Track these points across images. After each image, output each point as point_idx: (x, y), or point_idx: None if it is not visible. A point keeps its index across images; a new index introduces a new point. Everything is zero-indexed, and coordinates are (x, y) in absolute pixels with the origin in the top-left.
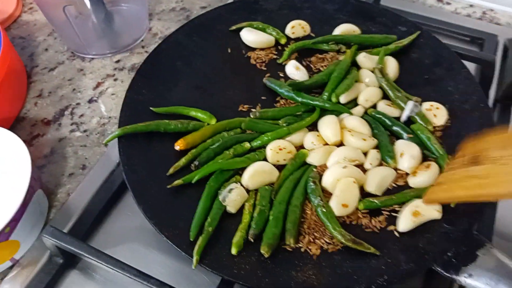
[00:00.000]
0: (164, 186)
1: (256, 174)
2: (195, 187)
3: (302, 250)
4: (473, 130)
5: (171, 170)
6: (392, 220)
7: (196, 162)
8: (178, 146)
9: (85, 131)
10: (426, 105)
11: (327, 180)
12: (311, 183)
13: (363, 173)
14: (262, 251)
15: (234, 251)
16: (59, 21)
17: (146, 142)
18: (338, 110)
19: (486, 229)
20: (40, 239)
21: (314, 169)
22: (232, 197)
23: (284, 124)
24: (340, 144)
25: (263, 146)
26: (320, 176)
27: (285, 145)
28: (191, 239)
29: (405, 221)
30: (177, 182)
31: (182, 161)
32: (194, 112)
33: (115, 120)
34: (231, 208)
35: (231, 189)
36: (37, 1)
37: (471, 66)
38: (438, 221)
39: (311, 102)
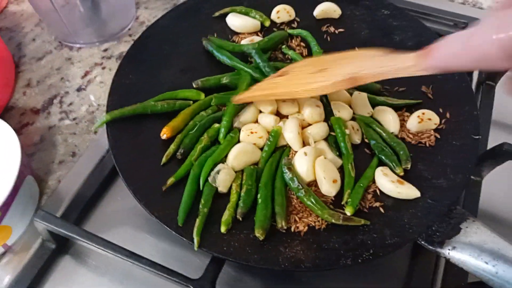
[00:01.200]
0: (153, 167)
1: (240, 154)
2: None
3: (291, 229)
4: (456, 109)
5: (164, 159)
6: (378, 197)
7: (181, 150)
8: (165, 134)
9: (74, 119)
10: (418, 112)
11: (302, 170)
12: (287, 171)
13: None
14: (257, 234)
15: (223, 229)
16: (46, 11)
17: (134, 125)
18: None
19: (471, 206)
20: (32, 225)
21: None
22: (221, 178)
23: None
24: None
25: (231, 126)
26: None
27: (257, 129)
28: (180, 224)
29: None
30: (170, 181)
31: (172, 147)
32: (181, 93)
33: (103, 108)
34: (222, 188)
35: (219, 170)
36: None
37: None
38: (423, 197)
39: (238, 65)
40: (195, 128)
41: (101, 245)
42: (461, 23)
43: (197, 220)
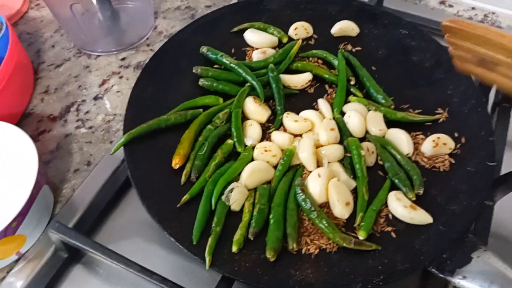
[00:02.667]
0: (167, 183)
1: (254, 173)
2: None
3: (302, 251)
4: (471, 133)
5: (183, 179)
6: (390, 221)
7: (196, 173)
8: (177, 164)
9: (90, 127)
10: (433, 137)
11: (315, 191)
12: (300, 192)
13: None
14: (268, 256)
15: (234, 248)
16: (66, 18)
17: (150, 138)
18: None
19: (482, 231)
20: (45, 233)
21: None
22: (234, 196)
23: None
24: None
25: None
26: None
27: (271, 147)
28: (194, 243)
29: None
30: (185, 198)
31: (188, 166)
32: (200, 101)
33: (120, 118)
34: (235, 207)
35: (232, 189)
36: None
37: None
38: (435, 223)
39: (243, 74)
40: (204, 149)
41: (113, 259)
42: None
43: (210, 239)
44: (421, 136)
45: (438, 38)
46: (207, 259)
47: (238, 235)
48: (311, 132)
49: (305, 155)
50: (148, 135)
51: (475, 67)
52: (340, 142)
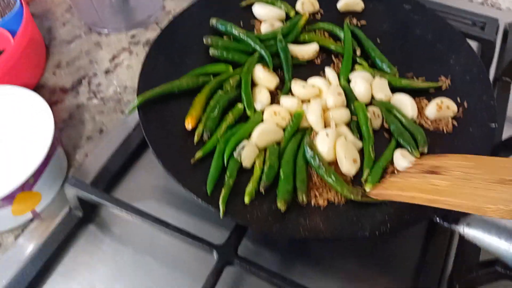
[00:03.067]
0: (180, 142)
1: (263, 134)
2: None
3: (311, 203)
4: (473, 98)
5: (196, 138)
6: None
7: (208, 133)
8: (190, 124)
9: (102, 98)
10: (437, 100)
11: (323, 149)
12: (308, 150)
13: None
14: (279, 205)
15: (247, 199)
16: None
17: (162, 103)
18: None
19: None
20: (60, 195)
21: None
22: (245, 153)
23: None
24: None
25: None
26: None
27: (279, 110)
28: (208, 194)
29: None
30: (198, 155)
31: (200, 126)
32: (210, 68)
33: (130, 90)
34: (246, 163)
35: (243, 146)
36: None
37: (472, 45)
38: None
39: (252, 44)
40: (216, 111)
41: (129, 211)
42: (480, 22)
43: (223, 190)
44: (425, 101)
45: (440, 14)
46: (221, 207)
47: (250, 187)
48: (318, 97)
49: (313, 118)
50: (160, 101)
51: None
52: (347, 108)
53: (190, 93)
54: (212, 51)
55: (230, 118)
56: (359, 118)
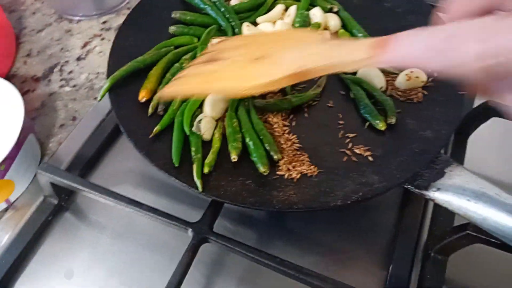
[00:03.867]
0: (151, 122)
1: (215, 103)
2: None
3: (284, 176)
4: None
5: (150, 110)
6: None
7: (162, 106)
8: (144, 97)
9: (74, 86)
10: (406, 71)
11: None
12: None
13: None
14: (262, 170)
15: (206, 170)
16: None
17: (131, 82)
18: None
19: (458, 160)
20: (34, 183)
21: None
22: (203, 126)
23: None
24: None
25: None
26: None
27: None
28: (176, 165)
29: None
30: (156, 129)
31: (154, 102)
32: (176, 41)
33: (103, 76)
34: (207, 136)
35: (200, 120)
36: None
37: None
38: (410, 147)
39: (214, 15)
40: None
41: (103, 194)
42: None
43: (194, 166)
44: (394, 74)
45: None
46: (198, 182)
47: (209, 159)
48: None
49: None
50: (128, 80)
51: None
52: None
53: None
54: (171, 29)
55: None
56: None
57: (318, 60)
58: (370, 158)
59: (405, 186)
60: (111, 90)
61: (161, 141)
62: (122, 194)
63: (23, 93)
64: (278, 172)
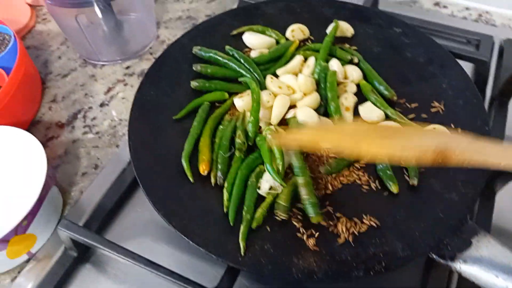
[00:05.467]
0: (172, 180)
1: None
2: (201, 182)
3: (304, 238)
4: (467, 124)
5: (212, 180)
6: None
7: (220, 175)
8: (205, 170)
9: (97, 133)
10: (429, 127)
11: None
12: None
13: None
14: (316, 221)
15: (254, 225)
16: (72, 30)
17: (153, 137)
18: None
19: (484, 222)
20: (55, 234)
21: None
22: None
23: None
24: None
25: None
26: None
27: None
28: (232, 224)
29: None
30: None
31: (214, 172)
32: (207, 97)
33: (125, 123)
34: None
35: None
36: (51, 10)
37: (467, 66)
38: (434, 210)
39: (236, 68)
40: (224, 150)
41: (121, 254)
42: (474, 40)
43: (242, 227)
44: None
45: (434, 39)
46: (242, 245)
47: (258, 213)
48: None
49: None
50: (152, 134)
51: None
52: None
53: (180, 127)
54: (193, 84)
55: (239, 157)
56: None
57: (469, 152)
58: (393, 222)
59: (430, 256)
60: (131, 140)
61: (178, 198)
62: (140, 247)
63: (48, 140)
64: (298, 234)
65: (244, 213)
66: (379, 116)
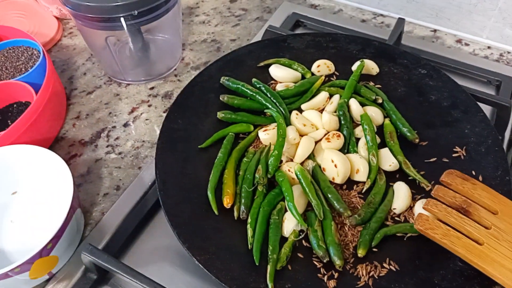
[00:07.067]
0: (197, 211)
1: (298, 199)
2: (224, 214)
3: (325, 279)
4: (488, 172)
5: (235, 214)
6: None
7: (243, 209)
8: (229, 204)
9: (120, 153)
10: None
11: None
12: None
13: None
14: (338, 264)
15: (278, 266)
16: (99, 48)
17: (180, 167)
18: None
19: None
20: (76, 254)
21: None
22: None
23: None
24: None
25: (267, 169)
26: None
27: (290, 165)
28: (257, 263)
29: None
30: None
31: (237, 205)
32: (232, 129)
33: (148, 144)
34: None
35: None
36: (81, 28)
37: (487, 108)
38: (453, 259)
39: (263, 101)
40: (246, 186)
41: (142, 282)
42: (495, 80)
43: (269, 267)
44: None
45: (454, 77)
46: (270, 285)
47: (282, 254)
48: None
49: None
50: (178, 164)
51: (441, 236)
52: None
53: (207, 158)
54: (220, 115)
55: (261, 192)
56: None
57: None
58: (413, 267)
59: None
60: (158, 169)
61: (203, 230)
62: (160, 273)
63: (71, 157)
64: (318, 275)
65: (269, 252)
66: (392, 166)
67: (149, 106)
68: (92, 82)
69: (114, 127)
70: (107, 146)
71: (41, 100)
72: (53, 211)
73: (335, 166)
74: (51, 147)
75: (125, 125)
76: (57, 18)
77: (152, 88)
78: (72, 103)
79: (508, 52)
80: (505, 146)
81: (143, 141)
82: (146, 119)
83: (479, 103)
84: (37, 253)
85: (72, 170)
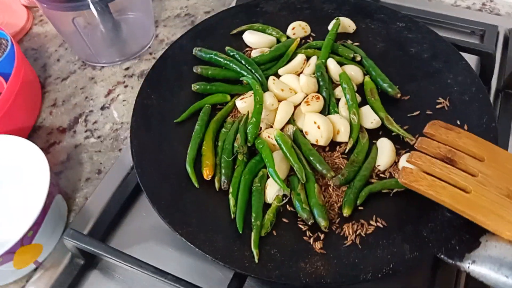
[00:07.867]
0: (177, 186)
1: (280, 164)
2: (205, 187)
3: (310, 241)
4: (473, 120)
5: (216, 185)
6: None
7: (224, 180)
8: (209, 175)
9: (99, 137)
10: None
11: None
12: None
13: None
14: (323, 225)
15: (263, 232)
16: (69, 32)
17: (157, 144)
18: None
19: None
20: (61, 242)
21: None
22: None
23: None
24: None
25: (246, 138)
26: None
27: (270, 132)
28: (240, 232)
29: None
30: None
31: (218, 176)
32: (209, 100)
33: (127, 126)
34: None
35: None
36: (47, 14)
37: (472, 58)
38: (441, 211)
39: (238, 69)
40: (226, 155)
41: (128, 262)
42: (478, 30)
43: (252, 234)
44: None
45: (438, 30)
46: (255, 252)
47: (266, 220)
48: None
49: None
50: (155, 140)
51: (426, 188)
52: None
53: (183, 133)
54: (194, 87)
55: (242, 160)
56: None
57: None
58: (400, 223)
59: (438, 256)
60: (134, 146)
61: (183, 204)
62: (146, 252)
63: (50, 145)
64: (304, 237)
65: (253, 220)
66: (373, 123)
67: (125, 87)
68: (66, 68)
69: (91, 111)
70: (85, 131)
71: (12, 89)
72: (32, 200)
73: (318, 127)
74: (29, 137)
75: (102, 108)
76: (26, 7)
77: (127, 69)
78: (48, 91)
79: (491, 1)
80: (492, 95)
81: (122, 122)
82: (123, 100)
83: (462, 54)
84: (18, 241)
85: (51, 158)
